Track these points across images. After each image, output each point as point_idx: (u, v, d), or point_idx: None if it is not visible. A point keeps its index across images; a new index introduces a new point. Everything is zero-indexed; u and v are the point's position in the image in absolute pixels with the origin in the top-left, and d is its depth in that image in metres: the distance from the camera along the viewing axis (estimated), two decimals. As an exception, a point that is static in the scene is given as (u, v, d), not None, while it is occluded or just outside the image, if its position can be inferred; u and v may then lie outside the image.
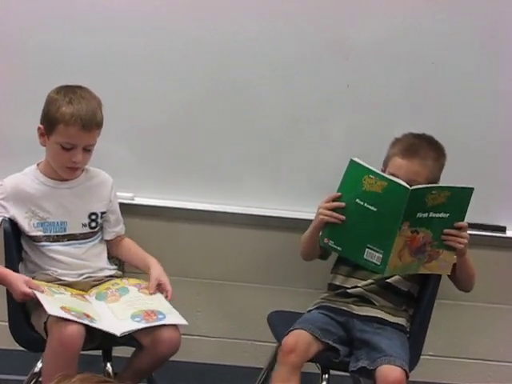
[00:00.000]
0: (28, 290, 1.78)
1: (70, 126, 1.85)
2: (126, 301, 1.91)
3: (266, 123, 2.31)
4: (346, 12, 2.23)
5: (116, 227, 2.09)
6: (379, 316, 2.01)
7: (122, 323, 1.81)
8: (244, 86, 2.27)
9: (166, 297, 1.93)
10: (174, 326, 1.86)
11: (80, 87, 1.92)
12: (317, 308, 2.07)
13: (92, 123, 1.87)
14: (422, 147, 2.00)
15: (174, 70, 2.25)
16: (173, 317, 1.86)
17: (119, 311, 1.87)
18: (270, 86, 2.27)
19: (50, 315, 1.73)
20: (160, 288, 1.95)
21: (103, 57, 2.21)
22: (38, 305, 1.78)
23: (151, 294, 1.93)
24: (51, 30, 2.19)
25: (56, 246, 1.96)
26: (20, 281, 1.81)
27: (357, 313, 2.02)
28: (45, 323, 1.77)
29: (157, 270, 1.97)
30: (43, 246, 1.95)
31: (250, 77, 2.26)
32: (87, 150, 1.91)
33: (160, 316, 1.85)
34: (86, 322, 1.74)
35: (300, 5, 2.22)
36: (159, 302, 1.91)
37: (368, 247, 1.86)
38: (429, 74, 2.28)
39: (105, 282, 2.00)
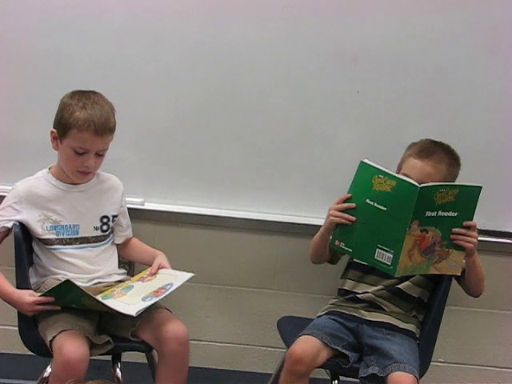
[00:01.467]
0: (35, 298, 1.79)
1: (83, 131, 1.86)
2: (132, 293, 1.92)
3: (274, 129, 2.30)
4: (352, 18, 2.23)
5: (127, 231, 2.12)
6: (389, 322, 2.01)
7: (135, 305, 1.82)
8: (252, 92, 2.27)
9: None
10: (178, 320, 1.89)
11: (94, 92, 1.93)
12: (326, 314, 2.07)
13: (105, 128, 1.88)
14: (437, 151, 2.00)
15: (179, 74, 2.25)
16: (179, 279, 1.90)
17: (129, 299, 1.88)
18: (279, 91, 2.27)
19: (54, 337, 1.76)
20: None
21: (108, 61, 2.22)
22: (45, 317, 1.82)
23: (153, 274, 1.97)
24: (57, 35, 2.19)
25: (68, 249, 1.96)
26: (25, 294, 1.82)
27: (366, 318, 2.02)
28: (50, 342, 1.78)
29: (160, 258, 2.03)
30: (55, 249, 1.95)
31: (259, 82, 2.26)
32: (99, 154, 1.93)
33: (168, 287, 1.88)
34: (100, 298, 1.77)
35: (304, 10, 2.22)
36: (164, 276, 1.95)
37: (378, 247, 1.85)
38: (436, 78, 2.28)
39: (112, 286, 2.00)
